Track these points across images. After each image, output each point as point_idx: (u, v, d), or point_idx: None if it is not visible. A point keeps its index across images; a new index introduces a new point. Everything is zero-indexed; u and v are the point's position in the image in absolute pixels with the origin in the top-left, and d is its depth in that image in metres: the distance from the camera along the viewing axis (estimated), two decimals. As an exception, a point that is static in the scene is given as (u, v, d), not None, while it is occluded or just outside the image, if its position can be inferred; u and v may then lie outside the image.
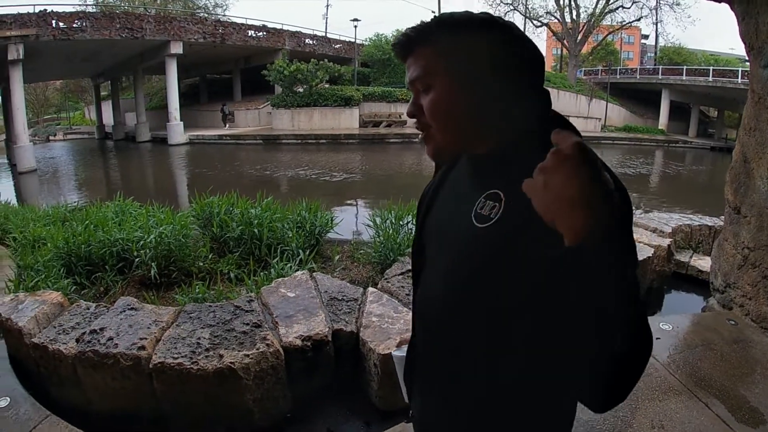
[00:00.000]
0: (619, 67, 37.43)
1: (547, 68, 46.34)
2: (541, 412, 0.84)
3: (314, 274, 3.48)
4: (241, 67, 31.76)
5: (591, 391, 0.71)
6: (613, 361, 0.65)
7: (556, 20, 33.74)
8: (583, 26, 32.81)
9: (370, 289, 3.26)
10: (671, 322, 3.42)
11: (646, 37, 53.57)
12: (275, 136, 25.14)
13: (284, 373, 2.65)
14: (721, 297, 3.87)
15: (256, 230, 4.40)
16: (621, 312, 0.63)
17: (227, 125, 27.69)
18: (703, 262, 5.18)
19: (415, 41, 0.85)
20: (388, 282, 3.42)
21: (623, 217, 0.67)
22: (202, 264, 4.17)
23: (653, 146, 27.20)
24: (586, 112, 28.86)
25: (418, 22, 0.87)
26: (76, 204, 7.60)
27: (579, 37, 32.53)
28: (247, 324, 2.76)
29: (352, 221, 8.15)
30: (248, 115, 28.82)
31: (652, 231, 5.44)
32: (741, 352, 3.26)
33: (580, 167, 0.58)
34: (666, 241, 5.26)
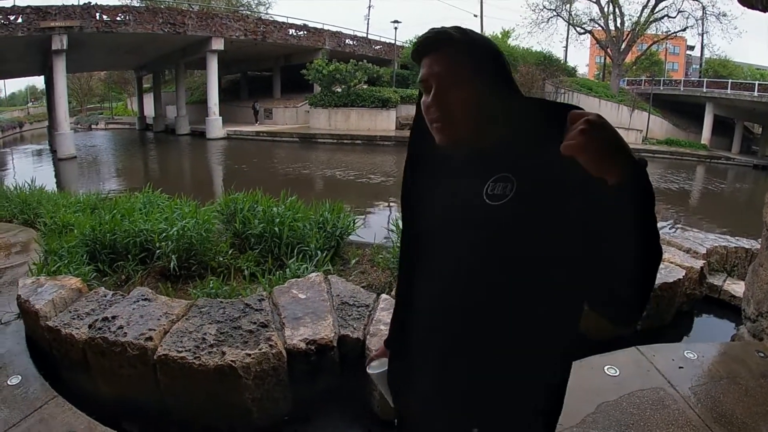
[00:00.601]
0: (663, 78, 36.23)
1: (590, 77, 45.50)
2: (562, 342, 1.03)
3: (329, 276, 3.45)
4: (281, 65, 32.20)
5: (617, 305, 0.91)
6: (638, 271, 0.86)
7: (600, 28, 32.93)
8: (628, 35, 31.89)
9: (383, 295, 3.20)
10: (697, 351, 3.26)
11: (692, 48, 51.85)
12: (311, 134, 25.42)
13: (286, 375, 2.63)
14: (753, 326, 3.68)
15: (276, 229, 4.40)
16: (650, 228, 0.85)
17: (258, 122, 28.07)
18: (737, 287, 4.91)
19: (444, 43, 1.02)
20: None
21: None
22: (221, 259, 4.19)
23: (695, 161, 26.24)
24: (627, 123, 27.94)
25: (440, 27, 1.04)
26: (107, 193, 7.80)
27: (623, 46, 31.66)
28: (254, 323, 2.75)
29: (379, 224, 8.10)
30: (286, 113, 29.22)
31: (685, 251, 5.20)
32: (767, 388, 3.08)
33: (609, 126, 0.82)
34: (699, 263, 5.00)
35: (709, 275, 5.17)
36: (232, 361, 2.44)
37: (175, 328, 2.69)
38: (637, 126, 28.09)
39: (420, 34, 1.08)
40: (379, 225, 7.86)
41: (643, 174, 0.82)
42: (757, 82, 29.25)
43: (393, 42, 32.42)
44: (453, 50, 1.00)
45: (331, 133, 25.45)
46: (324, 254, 4.20)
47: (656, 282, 1.25)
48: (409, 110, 26.31)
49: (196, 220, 4.35)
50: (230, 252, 4.31)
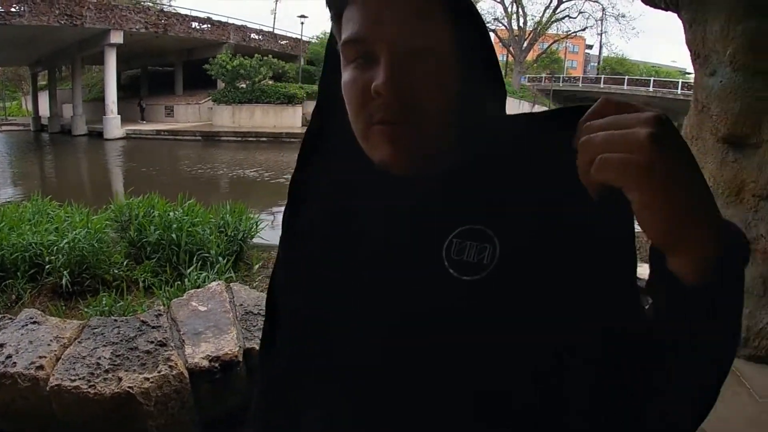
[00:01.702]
0: (562, 76, 38.77)
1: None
2: None
3: (231, 285, 3.22)
4: (183, 60, 30.75)
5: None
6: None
7: (503, 27, 34.44)
8: (530, 34, 33.67)
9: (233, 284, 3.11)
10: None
11: (590, 47, 55.96)
12: (215, 132, 24.53)
13: (190, 397, 2.40)
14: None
15: (174, 235, 4.07)
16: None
17: (143, 120, 26.93)
18: (641, 269, 5.23)
19: None
20: None
21: None
22: (116, 271, 3.87)
23: (592, 152, 28.31)
24: None
25: None
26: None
27: (525, 45, 33.34)
28: (152, 342, 2.50)
29: None
30: (188, 110, 28.03)
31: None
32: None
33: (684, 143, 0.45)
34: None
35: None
36: (129, 387, 2.21)
37: (68, 353, 2.41)
38: (537, 120, 29.86)
39: None
40: None
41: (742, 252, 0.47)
42: (652, 78, 32.23)
43: (299, 37, 31.96)
44: None
45: (235, 130, 24.63)
46: (226, 261, 3.96)
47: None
48: None
49: (88, 230, 3.99)
50: (126, 263, 3.99)
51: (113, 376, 2.25)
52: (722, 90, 3.38)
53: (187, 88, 30.43)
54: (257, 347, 2.48)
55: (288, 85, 26.67)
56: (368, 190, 0.63)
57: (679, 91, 28.81)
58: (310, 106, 25.60)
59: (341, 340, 0.62)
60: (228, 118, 25.78)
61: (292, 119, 25.62)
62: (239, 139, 23.73)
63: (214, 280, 3.39)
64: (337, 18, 0.60)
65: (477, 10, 0.61)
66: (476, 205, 0.56)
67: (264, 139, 23.74)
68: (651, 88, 30.28)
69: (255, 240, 4.68)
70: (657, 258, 0.46)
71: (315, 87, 26.16)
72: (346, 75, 0.58)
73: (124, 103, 25.87)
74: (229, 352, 2.47)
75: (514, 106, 29.34)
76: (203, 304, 2.88)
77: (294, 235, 0.72)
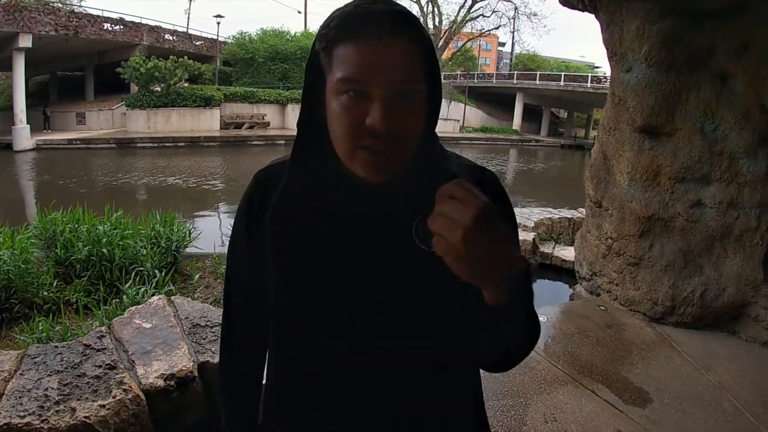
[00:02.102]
0: (477, 72, 40.16)
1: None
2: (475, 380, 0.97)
3: (173, 298, 3.06)
4: (94, 63, 28.43)
5: (496, 362, 0.86)
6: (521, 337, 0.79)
7: (419, 27, 35.07)
8: (445, 33, 34.50)
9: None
10: (544, 314, 3.56)
11: (503, 44, 58.34)
12: (130, 139, 23.04)
13: (149, 420, 2.26)
14: (588, 284, 4.14)
15: (105, 250, 3.80)
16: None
17: (47, 129, 24.80)
18: (566, 252, 5.57)
19: (402, 23, 0.74)
20: None
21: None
22: (46, 293, 3.54)
23: (508, 145, 29.53)
24: (445, 114, 30.11)
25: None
26: None
27: (440, 43, 34.12)
28: (100, 366, 2.32)
29: (214, 232, 7.52)
30: (101, 117, 26.03)
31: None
32: (616, 336, 3.49)
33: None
34: (531, 235, 5.61)
35: (540, 245, 5.80)
36: (85, 417, 2.04)
37: (11, 387, 2.17)
38: (454, 116, 30.62)
39: (347, 4, 0.75)
40: (215, 232, 7.33)
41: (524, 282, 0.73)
42: (563, 73, 34.02)
43: (215, 37, 30.78)
44: (414, 37, 0.72)
45: (151, 136, 23.32)
46: (162, 273, 3.75)
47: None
48: (234, 109, 25.24)
49: (12, 251, 3.61)
50: (55, 283, 3.66)
51: (65, 407, 2.07)
52: (638, 84, 3.67)
53: (99, 94, 28.14)
54: (211, 360, 2.42)
55: (205, 88, 25.57)
56: (352, 192, 0.79)
57: (588, 85, 30.60)
58: (229, 108, 24.85)
59: (343, 293, 0.84)
60: (143, 123, 24.23)
61: (210, 122, 24.60)
62: (156, 145, 22.48)
63: (154, 295, 3.21)
64: (327, 51, 0.73)
65: (437, 59, 0.78)
66: (426, 200, 0.68)
67: (182, 144, 22.71)
68: (562, 83, 31.98)
69: (189, 249, 4.47)
70: None
71: (232, 88, 25.39)
72: (336, 103, 0.72)
73: (31, 111, 23.70)
74: (184, 369, 2.35)
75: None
76: (147, 321, 2.73)
77: (288, 231, 0.85)
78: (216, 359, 2.48)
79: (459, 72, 39.73)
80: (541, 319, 2.68)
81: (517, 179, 18.03)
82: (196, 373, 2.38)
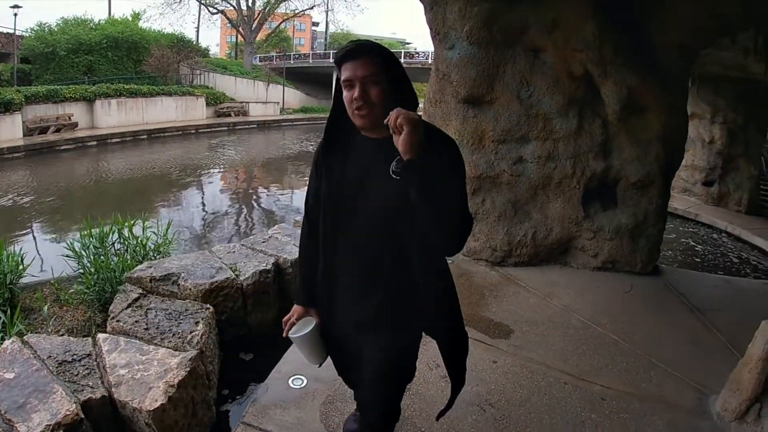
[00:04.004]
0: (292, 53, 39.83)
1: (222, 56, 45.97)
2: (443, 266, 1.67)
3: (26, 338, 2.66)
4: None
5: (440, 241, 1.43)
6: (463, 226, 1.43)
7: (231, 7, 33.37)
8: (259, 14, 33.31)
9: (101, 335, 2.66)
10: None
11: (317, 24, 58.32)
12: None
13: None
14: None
15: None
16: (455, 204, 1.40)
17: None
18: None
19: (368, 52, 1.41)
20: (118, 321, 2.82)
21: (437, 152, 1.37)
22: None
23: (329, 123, 29.91)
24: (264, 98, 29.14)
25: (365, 40, 1.46)
26: None
27: (254, 25, 32.98)
28: (-26, 438, 1.97)
29: (46, 254, 6.54)
30: None
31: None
32: (467, 283, 3.94)
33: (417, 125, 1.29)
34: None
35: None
36: None
37: None
38: (274, 99, 29.86)
39: (344, 45, 1.46)
40: (49, 255, 6.40)
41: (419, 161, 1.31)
42: None
43: (12, 31, 25.46)
44: (376, 58, 1.41)
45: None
46: (6, 313, 3.20)
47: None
48: (37, 111, 21.37)
49: None
50: None
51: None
52: (460, 60, 4.11)
53: None
54: (93, 396, 2.24)
55: (2, 90, 21.05)
56: (356, 146, 1.53)
57: (402, 60, 32.21)
58: (31, 111, 20.73)
59: (349, 208, 1.51)
60: None
61: (11, 130, 19.69)
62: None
63: (3, 339, 2.76)
64: (337, 68, 1.44)
65: (399, 64, 1.47)
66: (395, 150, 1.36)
67: (-22, 160, 18.59)
68: (378, 59, 33.26)
69: (23, 279, 3.82)
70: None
71: (34, 89, 21.08)
72: (344, 93, 1.45)
73: None
74: (69, 413, 2.10)
75: (249, 87, 28.96)
76: (8, 371, 2.35)
77: (325, 176, 1.57)
78: (98, 394, 2.28)
79: (274, 53, 38.97)
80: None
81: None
82: (81, 415, 2.15)
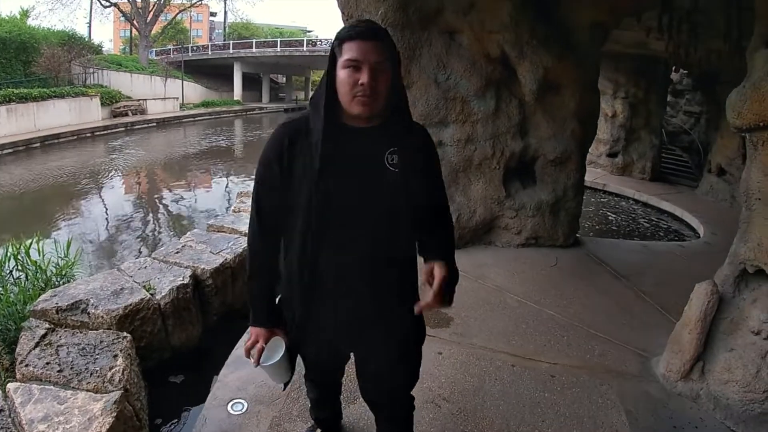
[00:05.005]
0: (190, 45, 37.70)
1: (115, 51, 42.66)
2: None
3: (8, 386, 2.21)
4: None
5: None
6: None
7: (125, 0, 30.92)
8: (154, 5, 31.10)
9: (11, 386, 2.23)
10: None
11: (215, 14, 55.65)
12: None
13: None
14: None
15: None
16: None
17: None
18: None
19: (381, 35, 1.31)
20: (27, 366, 2.37)
21: None
22: None
23: (232, 116, 28.71)
24: (162, 94, 27.24)
25: (372, 21, 1.39)
26: None
27: (149, 17, 30.76)
28: None
29: None
30: None
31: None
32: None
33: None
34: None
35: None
36: None
37: None
38: (172, 94, 28.07)
39: (351, 23, 1.42)
40: None
41: None
42: (279, 39, 34.06)
43: None
44: (386, 43, 1.32)
45: None
46: None
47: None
48: None
49: None
50: None
51: None
52: (375, 43, 3.99)
53: None
54: None
55: None
56: (348, 135, 1.38)
57: (305, 48, 31.61)
58: None
59: (346, 195, 1.37)
60: None
61: None
62: None
63: None
64: (339, 46, 1.31)
65: (399, 56, 1.40)
66: (393, 140, 1.38)
67: None
68: (279, 49, 32.28)
69: None
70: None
71: None
72: (343, 73, 1.30)
73: None
74: None
75: (146, 83, 27.11)
76: None
77: (302, 169, 1.38)
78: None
79: (171, 47, 36.71)
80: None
81: (246, 150, 17.21)
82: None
